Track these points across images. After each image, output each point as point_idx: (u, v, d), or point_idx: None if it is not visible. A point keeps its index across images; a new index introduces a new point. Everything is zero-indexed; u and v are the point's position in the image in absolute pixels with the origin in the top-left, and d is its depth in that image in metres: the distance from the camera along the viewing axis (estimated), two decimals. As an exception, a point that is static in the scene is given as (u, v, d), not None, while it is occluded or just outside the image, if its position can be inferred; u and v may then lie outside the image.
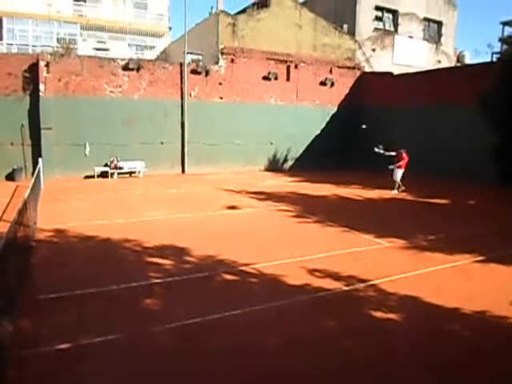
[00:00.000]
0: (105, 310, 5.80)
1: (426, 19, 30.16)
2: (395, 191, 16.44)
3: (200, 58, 22.70)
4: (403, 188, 16.47)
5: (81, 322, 5.37)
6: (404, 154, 16.50)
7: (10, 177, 18.49)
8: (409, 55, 29.18)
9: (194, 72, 21.71)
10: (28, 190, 9.53)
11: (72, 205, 13.18)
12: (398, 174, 16.54)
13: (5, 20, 26.37)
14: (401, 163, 16.42)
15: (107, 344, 4.84)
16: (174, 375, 4.37)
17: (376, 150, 16.87)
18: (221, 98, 22.61)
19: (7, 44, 26.18)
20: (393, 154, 16.59)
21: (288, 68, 24.32)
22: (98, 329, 5.15)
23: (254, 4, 26.14)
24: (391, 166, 16.60)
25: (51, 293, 6.16)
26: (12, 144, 18.61)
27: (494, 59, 21.69)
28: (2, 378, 3.85)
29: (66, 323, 5.33)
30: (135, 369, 4.43)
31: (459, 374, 4.50)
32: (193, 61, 22.10)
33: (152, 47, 31.81)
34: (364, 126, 19.82)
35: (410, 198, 15.74)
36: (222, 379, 4.33)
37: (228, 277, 7.08)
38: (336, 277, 7.07)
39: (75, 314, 5.63)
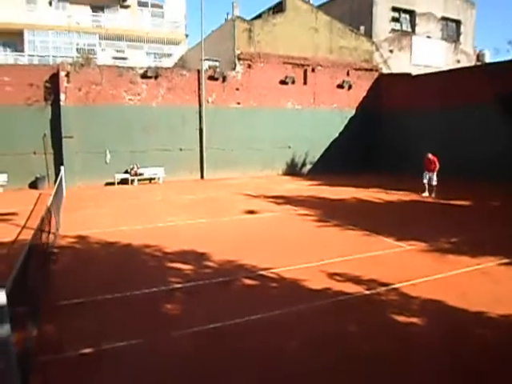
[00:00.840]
0: (126, 315, 5.86)
1: (444, 18, 29.79)
2: (429, 193, 16.05)
3: (217, 64, 22.88)
4: (427, 194, 16.07)
5: (102, 327, 5.43)
6: (431, 157, 16.15)
7: (33, 185, 18.91)
8: (427, 55, 28.86)
9: (211, 78, 21.88)
10: (50, 198, 9.71)
11: (93, 212, 13.37)
12: (428, 177, 16.11)
13: (26, 32, 27.03)
14: (430, 166, 16.07)
15: (129, 349, 4.88)
16: (195, 380, 4.37)
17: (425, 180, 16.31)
18: (238, 104, 22.72)
19: (28, 55, 26.82)
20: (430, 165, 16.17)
21: (305, 72, 24.30)
22: (120, 334, 5.20)
23: (269, 9, 26.25)
24: (431, 175, 16.10)
25: (73, 298, 6.25)
26: (35, 153, 19.04)
27: (515, 57, 21.26)
28: (27, 382, 3.91)
29: (88, 328, 5.40)
30: (156, 373, 4.45)
31: (484, 379, 4.39)
32: (210, 67, 22.29)
33: (169, 55, 32.17)
34: None
35: (431, 200, 15.50)
36: (243, 382, 4.31)
37: (248, 281, 7.07)
38: (357, 281, 6.99)
39: (97, 319, 5.69)
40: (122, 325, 5.53)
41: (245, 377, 4.42)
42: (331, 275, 7.24)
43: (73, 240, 9.75)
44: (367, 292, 6.56)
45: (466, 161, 19.70)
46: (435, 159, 16.09)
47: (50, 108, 19.20)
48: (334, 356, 4.79)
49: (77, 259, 8.47)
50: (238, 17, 23.55)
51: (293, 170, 24.41)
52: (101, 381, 4.34)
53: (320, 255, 8.44)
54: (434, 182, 16.04)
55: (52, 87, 19.09)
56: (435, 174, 16.03)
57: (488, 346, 5.08)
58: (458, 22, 30.51)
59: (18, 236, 9.76)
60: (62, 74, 19.00)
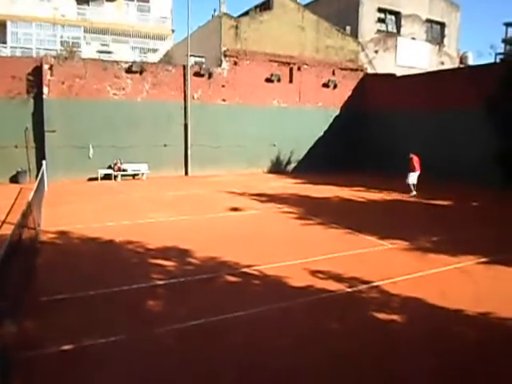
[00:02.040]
0: (108, 311, 5.82)
1: (429, 21, 30.14)
2: (414, 193, 16.25)
3: (203, 60, 22.78)
4: (414, 193, 16.26)
5: (84, 324, 5.39)
6: (412, 157, 16.43)
7: (15, 179, 18.59)
8: (412, 57, 29.16)
9: (196, 74, 21.78)
10: (32, 193, 9.57)
11: (76, 207, 13.22)
12: (410, 177, 16.39)
13: (9, 24, 26.53)
14: (413, 166, 16.32)
15: (110, 345, 4.86)
16: (177, 376, 4.38)
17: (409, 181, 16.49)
18: (224, 101, 22.66)
19: (11, 47, 26.33)
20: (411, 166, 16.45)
21: (291, 70, 24.35)
22: (101, 330, 5.17)
23: (256, 6, 26.22)
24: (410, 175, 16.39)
25: (55, 294, 6.19)
26: (16, 146, 18.71)
27: (498, 60, 21.63)
28: (7, 379, 3.87)
29: (70, 324, 5.35)
30: (137, 370, 4.44)
31: (463, 374, 4.48)
32: (196, 63, 22.18)
33: (155, 50, 31.91)
34: None
35: (413, 199, 15.70)
36: (224, 379, 4.33)
37: (231, 278, 7.09)
38: (339, 278, 7.06)
39: (79, 315, 5.65)
40: (103, 321, 5.49)
41: (227, 372, 4.43)
42: (314, 273, 7.31)
43: (54, 235, 9.63)
44: (349, 289, 6.63)
45: (449, 162, 19.96)
46: (413, 158, 16.44)
47: (32, 101, 18.88)
48: (315, 352, 4.84)
49: (58, 255, 8.38)
50: (225, 13, 23.48)
51: (278, 168, 24.45)
52: (81, 377, 4.31)
53: (303, 253, 8.50)
54: (409, 181, 16.38)
55: (35, 80, 18.77)
56: (412, 173, 16.38)
57: (467, 343, 5.18)
58: (442, 25, 30.88)
59: (-3, 231, 9.60)
60: (46, 66, 18.70)
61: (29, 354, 4.58)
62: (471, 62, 30.53)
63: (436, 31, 30.77)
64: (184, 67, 21.59)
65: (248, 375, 4.41)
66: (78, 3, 29.81)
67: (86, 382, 4.26)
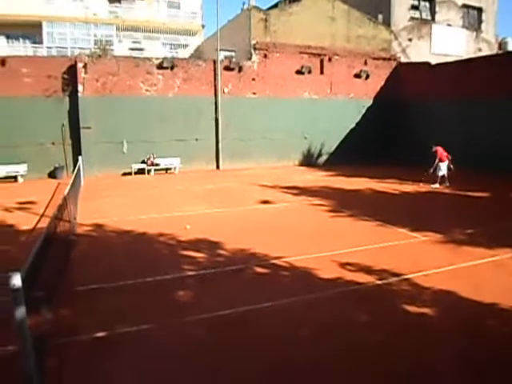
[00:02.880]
0: (140, 300, 5.98)
1: (465, 6, 29.11)
2: (436, 185, 15.93)
3: (233, 54, 22.84)
4: (447, 184, 15.90)
5: (117, 312, 5.56)
6: (437, 149, 16.04)
7: (52, 175, 19.25)
8: (447, 44, 28.27)
9: (227, 68, 21.85)
10: (68, 187, 9.89)
11: (110, 201, 13.58)
12: (440, 168, 16.02)
13: (44, 24, 27.29)
14: (441, 158, 15.94)
15: (141, 333, 5.00)
16: (205, 364, 4.46)
17: (426, 173, 16.05)
18: (254, 94, 22.66)
19: (47, 47, 27.11)
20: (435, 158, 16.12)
21: (321, 61, 24.06)
22: (133, 319, 5.32)
23: (285, -2, 26.03)
24: (431, 170, 16.00)
25: (89, 284, 6.41)
26: (53, 143, 19.34)
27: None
28: (42, 365, 4.04)
29: (103, 313, 5.54)
30: (168, 357, 4.55)
31: (496, 369, 4.37)
32: (226, 57, 22.26)
33: (186, 45, 32.16)
34: None
35: (447, 190, 15.31)
36: (252, 368, 4.38)
37: (260, 270, 7.14)
38: (369, 271, 6.99)
39: (112, 304, 5.83)
40: (135, 310, 5.65)
41: (255, 362, 4.48)
42: (343, 265, 7.26)
43: (90, 228, 9.95)
44: (379, 282, 6.55)
45: (485, 153, 19.31)
46: (438, 150, 16.05)
47: (67, 99, 19.44)
48: (344, 345, 4.83)
49: (93, 247, 8.65)
50: (254, 6, 23.41)
51: (309, 161, 24.29)
52: (113, 363, 4.46)
53: (332, 245, 8.45)
54: (439, 173, 16.00)
55: (70, 78, 19.31)
56: (442, 164, 15.99)
57: (501, 337, 5.04)
58: (479, 10, 29.77)
59: (36, 224, 9.97)
60: (80, 65, 19.19)
61: (64, 340, 4.78)
62: (511, 47, 29.31)
63: (473, 17, 29.70)
64: (214, 62, 21.70)
65: (274, 366, 4.44)
66: (110, 2, 30.36)
67: (118, 368, 4.40)
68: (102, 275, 6.83)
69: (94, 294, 6.15)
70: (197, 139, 21.62)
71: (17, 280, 3.46)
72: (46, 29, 27.41)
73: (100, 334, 4.93)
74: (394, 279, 6.65)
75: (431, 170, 15.99)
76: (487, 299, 5.89)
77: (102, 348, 4.72)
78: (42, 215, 10.73)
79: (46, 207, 11.55)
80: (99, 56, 19.92)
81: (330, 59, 24.23)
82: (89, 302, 5.92)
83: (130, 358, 4.56)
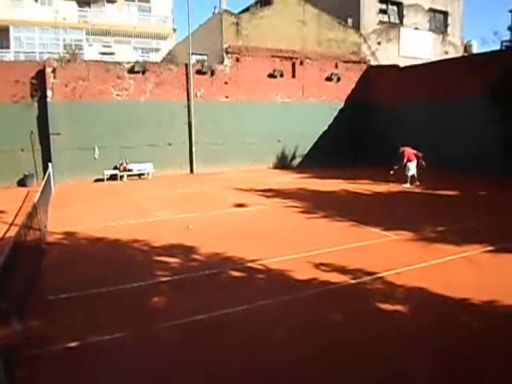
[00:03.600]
0: (113, 309, 5.88)
1: (432, 10, 29.87)
2: (407, 185, 16.28)
3: (205, 58, 22.79)
4: (418, 183, 16.25)
5: (90, 321, 5.45)
6: (404, 149, 16.39)
7: (22, 182, 18.76)
8: (415, 47, 28.94)
9: (199, 72, 21.79)
10: (38, 195, 9.67)
11: (82, 208, 13.33)
12: (409, 168, 16.39)
13: (12, 28, 26.70)
14: (409, 158, 16.30)
15: (115, 342, 4.91)
16: (182, 371, 4.41)
17: (392, 172, 16.46)
18: (227, 98, 22.67)
19: (14, 52, 26.52)
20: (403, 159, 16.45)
21: (293, 65, 24.27)
22: (107, 327, 5.22)
23: (257, 2, 26.19)
24: (396, 167, 16.40)
25: (61, 293, 6.26)
26: (22, 150, 18.87)
27: (503, 48, 21.39)
28: (12, 377, 3.93)
29: (76, 322, 5.41)
30: (143, 365, 4.48)
31: (468, 364, 4.46)
32: (198, 61, 22.19)
33: (157, 49, 31.97)
34: None
35: (418, 190, 15.63)
36: (230, 373, 4.36)
37: (235, 273, 7.12)
38: (343, 270, 7.06)
39: (84, 313, 5.71)
40: (108, 319, 5.55)
41: (231, 367, 4.46)
42: (318, 265, 7.31)
43: (61, 236, 9.73)
44: (353, 281, 6.63)
45: (455, 152, 19.82)
46: (405, 150, 16.41)
47: (36, 104, 19.02)
48: (319, 345, 4.85)
49: (65, 255, 8.47)
50: (226, 10, 23.48)
51: (283, 164, 24.42)
52: (86, 373, 4.36)
53: (307, 246, 8.50)
54: (410, 172, 16.38)
55: (38, 83, 18.90)
56: (410, 164, 16.37)
57: (472, 332, 5.15)
58: (445, 14, 30.60)
59: (5, 233, 9.72)
60: (49, 70, 18.81)
61: (34, 351, 4.65)
62: (476, 50, 30.22)
63: (439, 20, 30.49)
64: (186, 66, 21.61)
65: (251, 369, 4.42)
66: (79, 6, 29.95)
67: (91, 378, 4.31)
68: (74, 284, 6.69)
69: (65, 303, 6.01)
70: (170, 144, 21.47)
71: (-18, 291, 3.36)
72: (13, 33, 26.85)
73: (72, 344, 4.81)
74: (368, 278, 6.74)
75: (396, 167, 16.33)
76: (458, 295, 6.02)
77: (74, 358, 4.61)
78: (11, 224, 10.50)
79: (16, 216, 11.32)
80: (68, 60, 19.59)
81: (301, 63, 24.47)
82: (60, 311, 5.79)
83: (103, 368, 4.46)
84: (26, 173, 18.80)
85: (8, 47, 26.82)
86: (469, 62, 21.18)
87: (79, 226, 10.60)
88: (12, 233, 8.93)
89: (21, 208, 12.50)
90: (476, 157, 18.73)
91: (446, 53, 30.17)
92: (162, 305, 5.96)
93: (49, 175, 15.33)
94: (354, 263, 7.37)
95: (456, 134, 20.19)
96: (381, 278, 6.74)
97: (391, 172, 16.35)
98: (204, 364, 4.50)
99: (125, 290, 6.47)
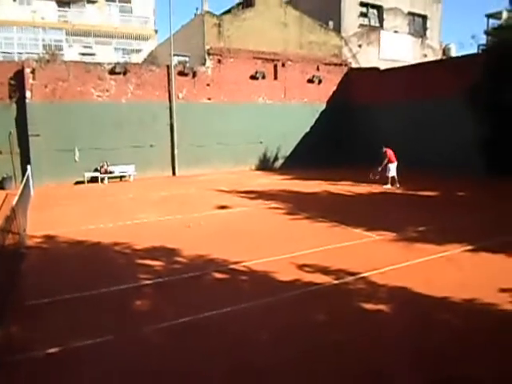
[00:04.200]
0: (95, 312, 5.79)
1: (411, 13, 30.33)
2: (388, 186, 16.49)
3: (187, 59, 22.69)
4: (398, 185, 16.47)
5: (71, 326, 5.36)
6: (387, 150, 16.64)
7: (0, 185, 18.37)
8: (395, 50, 29.35)
9: (181, 74, 21.70)
10: (16, 198, 9.48)
11: (62, 211, 13.12)
12: (390, 169, 16.62)
13: (-11, 28, 26.20)
14: (390, 159, 16.55)
15: (97, 346, 4.83)
16: (166, 374, 4.37)
17: (371, 176, 16.72)
18: (209, 99, 22.61)
19: (-8, 52, 26.03)
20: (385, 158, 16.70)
21: (275, 67, 24.36)
22: (88, 332, 5.14)
23: (238, 4, 26.23)
24: (380, 168, 16.63)
25: (41, 298, 6.14)
26: (0, 152, 18.50)
27: (480, 51, 21.83)
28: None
29: (56, 327, 5.32)
30: (125, 370, 4.43)
31: (449, 362, 4.53)
32: (179, 62, 22.09)
33: (138, 50, 31.72)
34: None
35: (399, 191, 15.83)
36: (214, 375, 4.34)
37: (218, 275, 7.09)
38: (326, 271, 7.10)
39: (65, 318, 5.61)
40: (91, 323, 5.46)
41: (215, 369, 4.43)
42: (301, 267, 7.33)
43: (41, 240, 9.55)
44: (336, 282, 6.67)
45: (433, 153, 20.18)
46: (387, 151, 16.68)
47: (15, 106, 18.66)
48: (303, 346, 4.85)
49: (45, 259, 8.31)
50: (208, 12, 23.41)
51: (265, 165, 24.48)
52: (68, 379, 4.29)
53: (290, 247, 8.52)
54: (389, 174, 16.65)
55: (17, 84, 18.56)
56: (391, 165, 16.65)
57: (453, 330, 5.23)
58: (424, 17, 31.10)
59: (-18, 237, 9.50)
60: (28, 70, 18.49)
61: (14, 357, 4.55)
62: (454, 53, 30.75)
63: (418, 24, 30.98)
64: (168, 67, 21.50)
65: (233, 370, 4.41)
66: (59, 6, 29.52)
67: (73, 384, 4.24)
68: (55, 288, 6.57)
69: (45, 308, 5.90)
70: (152, 145, 21.30)
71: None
72: (-11, 33, 26.28)
73: (53, 350, 4.72)
74: (351, 278, 6.79)
75: (379, 169, 16.55)
76: (439, 293, 6.12)
77: (55, 364, 4.52)
78: (-12, 228, 10.25)
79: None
80: (48, 61, 19.26)
81: (283, 64, 24.58)
82: (40, 316, 5.67)
83: (85, 373, 4.38)
84: (4, 175, 18.42)
85: (-15, 47, 26.33)
86: (447, 64, 21.57)
87: (59, 229, 10.43)
88: (-11, 236, 8.74)
89: (-1, 211, 12.23)
90: (455, 158, 19.07)
91: (425, 56, 30.66)
92: (144, 308, 5.89)
93: (28, 177, 15.06)
94: (337, 264, 7.42)
95: (435, 135, 20.55)
96: (363, 278, 6.80)
97: (371, 175, 16.57)
98: (188, 366, 4.47)
99: (107, 293, 6.39)
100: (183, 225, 10.90)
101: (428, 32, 31.32)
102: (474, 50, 22.66)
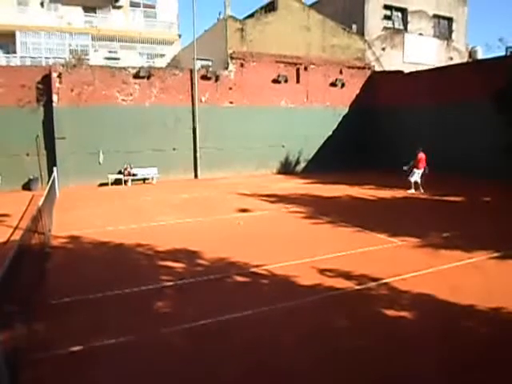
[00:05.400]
0: (117, 312, 5.86)
1: (436, 16, 29.89)
2: (412, 190, 16.21)
3: (210, 63, 22.86)
4: (422, 190, 16.17)
5: (93, 325, 5.43)
6: (419, 154, 16.31)
7: (27, 186, 18.86)
8: (419, 53, 28.94)
9: (204, 78, 21.87)
10: (42, 198, 9.69)
11: (86, 212, 13.34)
12: (415, 174, 16.33)
13: (18, 33, 26.90)
14: (417, 164, 16.21)
15: (119, 346, 4.89)
16: (186, 375, 4.38)
17: (405, 168, 16.40)
18: (231, 103, 22.72)
19: (21, 57, 26.68)
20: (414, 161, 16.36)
21: (298, 70, 24.32)
22: (110, 331, 5.21)
23: (261, 8, 26.27)
24: (405, 167, 16.34)
25: (65, 297, 6.25)
26: (28, 154, 18.98)
27: (508, 53, 21.35)
28: (16, 380, 3.91)
29: (79, 326, 5.40)
30: (145, 369, 4.46)
31: (473, 371, 4.41)
32: (202, 67, 22.27)
33: (162, 55, 32.11)
34: None
35: (423, 196, 15.57)
36: (234, 377, 4.33)
37: (239, 278, 7.09)
38: (348, 276, 7.02)
39: (88, 317, 5.69)
40: (112, 322, 5.53)
41: (235, 371, 4.43)
42: (322, 271, 7.27)
43: (65, 240, 9.73)
44: (358, 287, 6.58)
45: (459, 158, 19.79)
46: (420, 156, 16.32)
47: (42, 109, 19.14)
48: (324, 351, 4.81)
49: (69, 259, 8.47)
50: (230, 16, 23.55)
51: (287, 169, 24.43)
52: (90, 377, 4.34)
53: (311, 252, 8.46)
54: (412, 179, 16.33)
55: (44, 88, 19.02)
56: (417, 170, 16.29)
57: (478, 338, 5.10)
58: (449, 20, 30.61)
59: (10, 237, 9.75)
60: (54, 74, 18.93)
61: (38, 355, 4.64)
62: (480, 56, 30.17)
63: (444, 26, 30.50)
64: (191, 71, 21.70)
65: (253, 374, 4.39)
66: (85, 11, 30.16)
67: (95, 382, 4.29)
68: (78, 287, 6.68)
69: (69, 307, 5.99)
70: (174, 149, 21.51)
71: (-13, 294, 3.35)
72: (19, 38, 27.02)
73: (76, 348, 4.80)
74: (373, 284, 6.69)
75: (405, 168, 16.27)
76: (464, 301, 5.97)
77: (77, 362, 4.59)
78: (16, 228, 10.52)
79: (20, 220, 11.35)
80: (74, 65, 19.69)
81: (305, 68, 24.51)
82: (64, 315, 5.77)
83: (107, 372, 4.45)
84: (31, 177, 18.89)
85: (14, 52, 27.01)
86: (474, 67, 21.16)
87: (83, 229, 10.61)
88: (17, 236, 8.95)
89: (25, 212, 12.53)
90: (481, 163, 18.66)
91: (451, 59, 30.16)
92: (166, 309, 5.93)
93: (53, 179, 15.37)
94: (359, 269, 7.33)
95: (461, 139, 20.15)
96: (386, 284, 6.69)
97: (404, 168, 16.23)
98: (208, 368, 4.47)
99: (129, 293, 6.46)
100: (205, 228, 10.96)
101: (454, 34, 30.79)
102: (501, 53, 22.15)
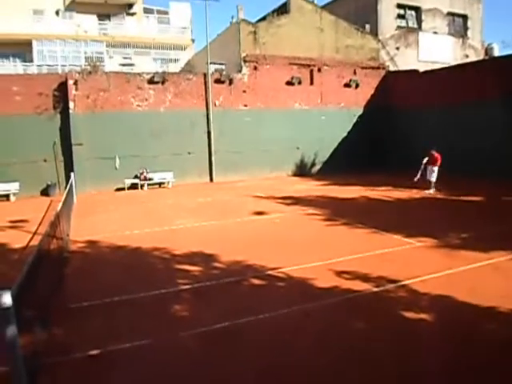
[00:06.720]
0: (134, 316, 5.89)
1: (450, 14, 29.56)
2: (431, 191, 15.99)
3: (223, 67, 22.97)
4: (434, 190, 15.99)
5: (111, 329, 5.47)
6: (435, 154, 16.10)
7: (45, 192, 19.15)
8: (434, 51, 28.62)
9: (217, 81, 21.97)
10: (60, 204, 9.82)
11: (103, 217, 13.49)
12: (432, 173, 16.11)
13: (34, 42, 27.39)
14: (433, 163, 16.00)
15: (136, 349, 4.91)
16: (203, 379, 4.38)
17: (416, 179, 16.10)
18: (245, 106, 22.76)
19: (37, 65, 27.16)
20: (426, 159, 16.14)
21: (311, 72, 24.26)
22: (128, 335, 5.24)
23: (274, 11, 26.31)
24: (422, 167, 16.12)
25: (83, 301, 6.32)
26: (45, 160, 19.29)
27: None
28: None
29: (97, 330, 5.45)
30: (162, 373, 4.47)
31: (496, 373, 4.32)
32: (216, 70, 22.39)
33: (176, 60, 32.35)
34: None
35: (440, 196, 15.36)
36: (251, 380, 4.32)
37: (256, 281, 7.07)
38: (365, 278, 6.95)
39: (106, 321, 5.74)
40: (130, 326, 5.56)
41: (252, 374, 4.41)
42: (339, 273, 7.21)
43: (83, 245, 9.85)
44: (376, 289, 6.51)
45: (476, 157, 19.44)
46: (436, 155, 16.10)
47: (59, 116, 19.44)
48: (341, 353, 4.76)
49: (87, 263, 8.56)
50: (243, 20, 23.63)
51: (302, 171, 24.35)
52: (107, 381, 4.38)
53: (328, 254, 8.40)
54: (432, 178, 16.07)
55: (61, 95, 19.33)
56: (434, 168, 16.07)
57: (499, 340, 4.99)
58: (464, 17, 30.24)
59: (29, 242, 9.89)
60: (71, 82, 19.23)
61: (57, 359, 4.69)
62: (497, 53, 29.70)
63: (458, 24, 30.13)
64: (205, 75, 21.81)
65: (273, 376, 4.37)
66: (100, 19, 30.57)
67: (113, 387, 4.32)
68: (96, 292, 6.74)
69: (87, 311, 6.06)
70: (189, 153, 21.63)
71: (7, 298, 3.40)
72: (36, 47, 27.52)
73: (94, 352, 4.84)
74: (391, 286, 6.61)
75: (418, 176, 16.04)
76: (485, 303, 5.85)
77: (95, 366, 4.63)
78: (35, 233, 10.67)
79: (39, 225, 11.50)
80: (90, 72, 19.95)
81: (319, 70, 24.44)
82: (82, 319, 5.83)
83: (124, 376, 4.47)
84: (49, 182, 19.19)
85: (31, 60, 27.51)
86: (490, 65, 20.81)
87: (101, 234, 10.73)
88: (35, 241, 9.08)
89: (44, 217, 12.69)
90: (499, 162, 18.32)
91: (467, 56, 29.75)
92: (182, 313, 5.94)
93: (71, 185, 15.58)
94: (377, 271, 7.25)
95: (478, 138, 19.79)
96: (404, 285, 6.61)
97: (415, 179, 16.03)
98: (225, 371, 4.46)
99: (146, 297, 6.49)
100: (221, 231, 10.99)
101: (469, 32, 30.41)
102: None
